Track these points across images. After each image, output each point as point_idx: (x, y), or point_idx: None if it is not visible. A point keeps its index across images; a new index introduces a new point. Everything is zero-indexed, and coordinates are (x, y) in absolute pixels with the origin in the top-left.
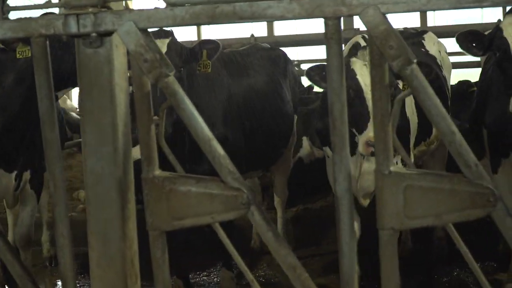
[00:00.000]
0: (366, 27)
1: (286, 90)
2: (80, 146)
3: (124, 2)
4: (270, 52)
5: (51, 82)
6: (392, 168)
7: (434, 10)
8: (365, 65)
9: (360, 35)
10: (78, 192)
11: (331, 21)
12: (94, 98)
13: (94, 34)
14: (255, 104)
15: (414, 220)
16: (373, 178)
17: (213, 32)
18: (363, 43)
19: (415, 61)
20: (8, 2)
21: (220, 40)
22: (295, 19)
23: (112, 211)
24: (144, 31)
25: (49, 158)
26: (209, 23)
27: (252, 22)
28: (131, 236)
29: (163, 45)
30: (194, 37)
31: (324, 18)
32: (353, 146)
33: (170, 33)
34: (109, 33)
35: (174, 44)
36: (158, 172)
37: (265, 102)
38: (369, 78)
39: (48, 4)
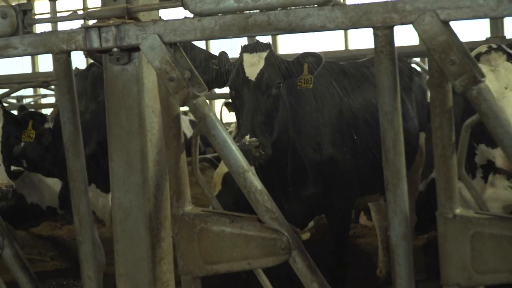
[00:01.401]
0: (422, 38)
1: (409, 105)
2: (212, 161)
3: (157, 11)
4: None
5: (75, 104)
6: (457, 211)
7: (505, 16)
8: (492, 70)
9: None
10: None
11: (381, 31)
12: (122, 121)
13: (115, 49)
14: (370, 122)
15: (485, 275)
16: (500, 206)
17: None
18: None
19: (483, 79)
20: (32, 14)
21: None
22: (337, 29)
23: (141, 251)
24: (172, 45)
25: (74, 190)
26: (240, 36)
27: (288, 34)
28: (165, 279)
29: (260, 59)
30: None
31: (372, 27)
32: (472, 167)
33: (268, 46)
34: (136, 48)
35: (272, 57)
36: (189, 208)
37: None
38: (497, 83)
39: (73, 16)
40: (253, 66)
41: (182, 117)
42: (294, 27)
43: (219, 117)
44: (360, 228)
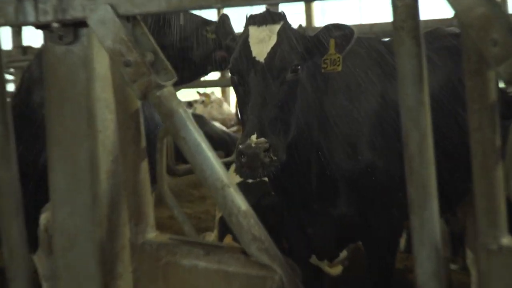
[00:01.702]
0: (454, 10)
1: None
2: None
3: None
4: (455, 42)
5: (5, 96)
6: (504, 241)
7: None
8: None
9: None
10: (204, 235)
11: (401, 1)
12: (65, 118)
13: (56, 24)
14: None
15: None
16: None
17: None
18: None
19: None
20: None
21: None
22: None
23: None
24: (129, 18)
25: (2, 210)
26: (218, 6)
27: (286, 2)
28: None
29: (271, 34)
30: None
31: None
32: None
33: (281, 16)
34: (84, 23)
35: (287, 31)
36: (152, 235)
37: (438, 114)
38: None
39: None
40: (262, 43)
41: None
42: None
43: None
44: (412, 260)
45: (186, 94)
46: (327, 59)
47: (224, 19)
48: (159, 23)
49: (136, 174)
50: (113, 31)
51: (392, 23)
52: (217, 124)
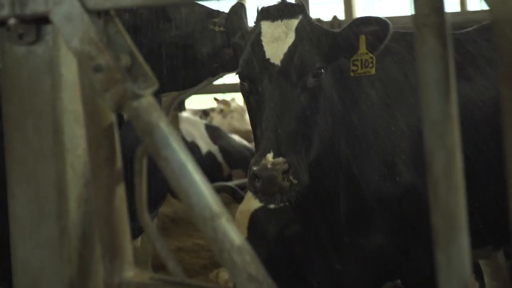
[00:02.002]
0: (486, 3)
1: None
2: (235, 191)
3: None
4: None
5: None
6: None
7: None
8: None
9: None
10: (217, 272)
11: None
12: (28, 135)
13: (13, 21)
14: (473, 128)
15: None
16: None
17: None
18: None
19: None
20: None
21: None
22: None
23: None
24: (101, 14)
25: None
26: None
27: None
28: None
29: (288, 30)
30: None
31: None
32: None
33: (300, 8)
34: (47, 19)
35: (307, 27)
36: (129, 273)
37: (489, 125)
38: None
39: None
40: (277, 42)
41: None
42: None
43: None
44: None
45: (202, 101)
46: (357, 60)
47: (236, 9)
48: (155, 16)
49: (110, 201)
50: (80, 29)
51: (413, 18)
52: (236, 137)
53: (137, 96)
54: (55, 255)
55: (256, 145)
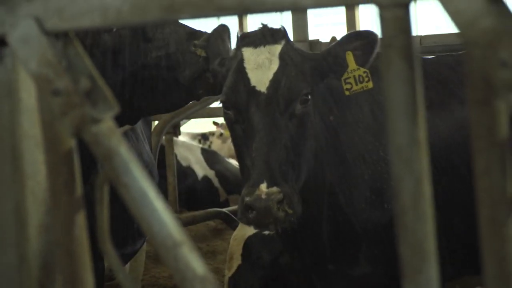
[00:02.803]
0: (454, 23)
1: None
2: (228, 217)
3: None
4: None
5: None
6: None
7: None
8: None
9: None
10: None
11: (389, 11)
12: None
13: None
14: (461, 158)
15: None
16: None
17: None
18: None
19: None
20: None
21: None
22: (318, 7)
23: None
24: (59, 35)
25: None
26: (163, 19)
27: (240, 14)
28: None
29: (271, 56)
30: None
31: (376, 5)
32: None
33: (282, 34)
34: (4, 42)
35: (290, 52)
36: None
37: (455, 158)
38: None
39: None
40: (262, 69)
41: (190, 144)
42: (249, 5)
43: None
44: None
45: (201, 125)
46: (349, 77)
47: (218, 33)
48: (134, 37)
49: (70, 230)
50: (38, 51)
51: (381, 39)
52: (234, 162)
53: (96, 121)
54: (14, 285)
55: (244, 175)
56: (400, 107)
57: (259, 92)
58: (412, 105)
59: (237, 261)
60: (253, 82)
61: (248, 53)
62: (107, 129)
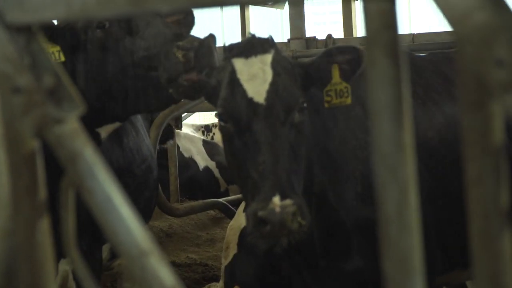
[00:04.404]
0: (446, 18)
1: None
2: (226, 208)
3: None
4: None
5: None
6: None
7: None
8: None
9: None
10: (208, 287)
11: (373, 5)
12: None
13: None
14: (453, 155)
15: None
16: None
17: None
18: None
19: None
20: None
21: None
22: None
23: None
24: (20, 29)
25: None
26: (131, 12)
27: (212, 8)
28: None
29: (264, 66)
30: None
31: None
32: None
33: (270, 43)
34: None
35: (281, 61)
36: None
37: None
38: None
39: None
40: (256, 80)
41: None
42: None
43: None
44: None
45: (204, 117)
46: (331, 90)
47: (206, 42)
48: (121, 34)
49: (32, 235)
50: None
51: (365, 36)
52: None
53: (59, 121)
54: None
55: (246, 188)
56: (385, 110)
57: (257, 104)
58: (397, 107)
59: (233, 250)
60: (250, 93)
61: (240, 63)
62: (71, 130)
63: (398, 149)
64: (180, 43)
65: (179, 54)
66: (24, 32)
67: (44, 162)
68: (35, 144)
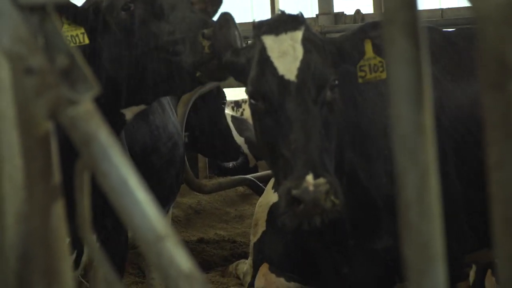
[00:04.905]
0: None
1: None
2: (255, 184)
3: None
4: None
5: None
6: None
7: None
8: None
9: None
10: (237, 263)
11: None
12: None
13: None
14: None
15: None
16: None
17: None
18: None
19: None
20: None
21: None
22: None
23: None
24: (34, 9)
25: None
26: None
27: None
28: None
29: (294, 43)
30: None
31: None
32: None
33: (300, 20)
34: None
35: (312, 38)
36: None
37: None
38: None
39: None
40: (287, 57)
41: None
42: None
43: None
44: None
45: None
46: (364, 65)
47: (223, 22)
48: (148, 17)
49: (46, 219)
50: (10, 26)
51: (382, 15)
52: None
53: (73, 103)
54: None
55: (277, 166)
56: (404, 91)
57: (288, 81)
58: (417, 88)
59: (262, 227)
60: (281, 71)
61: (270, 41)
62: (85, 112)
63: (418, 131)
64: (205, 31)
65: (205, 44)
66: (37, 12)
67: (58, 145)
68: (48, 126)
